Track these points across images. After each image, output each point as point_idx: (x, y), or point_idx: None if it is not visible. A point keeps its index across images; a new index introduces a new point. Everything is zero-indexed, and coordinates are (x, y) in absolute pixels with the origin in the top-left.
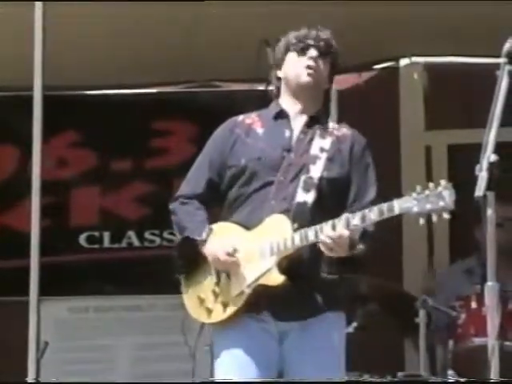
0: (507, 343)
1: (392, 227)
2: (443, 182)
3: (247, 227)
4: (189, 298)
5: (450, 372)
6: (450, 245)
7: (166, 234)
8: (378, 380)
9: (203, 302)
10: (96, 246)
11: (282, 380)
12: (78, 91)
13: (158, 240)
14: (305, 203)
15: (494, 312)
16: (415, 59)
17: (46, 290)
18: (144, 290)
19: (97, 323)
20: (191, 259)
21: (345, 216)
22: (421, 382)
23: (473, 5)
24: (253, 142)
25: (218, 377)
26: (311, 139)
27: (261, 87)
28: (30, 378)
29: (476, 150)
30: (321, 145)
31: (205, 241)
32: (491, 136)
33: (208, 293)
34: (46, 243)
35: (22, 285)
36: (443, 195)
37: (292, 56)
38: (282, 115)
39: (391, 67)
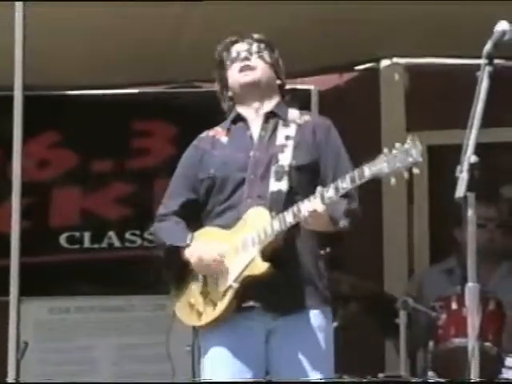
0: (487, 344)
1: (372, 225)
2: (409, 139)
3: (225, 227)
4: (180, 308)
5: (430, 373)
6: (430, 245)
7: (146, 235)
8: (358, 380)
9: (193, 306)
10: (76, 247)
11: (274, 380)
12: (59, 91)
13: (138, 240)
14: (279, 191)
15: (475, 313)
16: (396, 60)
17: (26, 290)
18: (125, 291)
19: (77, 324)
20: (179, 269)
21: (318, 190)
22: (401, 383)
23: (454, 4)
24: (219, 152)
25: (205, 376)
26: (274, 130)
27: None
28: (10, 378)
29: (456, 151)
30: (285, 133)
31: (189, 245)
32: (472, 137)
33: (197, 296)
34: (27, 243)
35: (2, 285)
36: (411, 151)
37: (229, 67)
38: (239, 119)
39: (372, 68)
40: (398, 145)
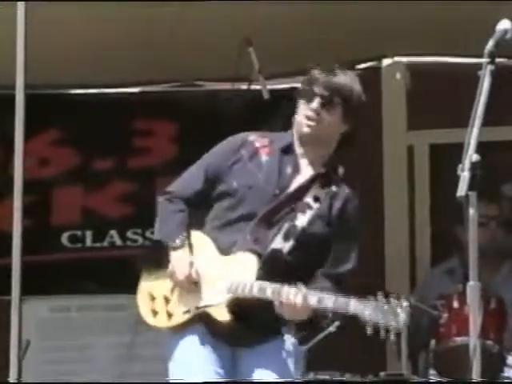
0: (489, 342)
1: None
2: (405, 304)
3: (220, 250)
4: (141, 292)
5: (432, 371)
6: (431, 244)
7: (148, 234)
8: (360, 379)
9: (153, 301)
10: (78, 245)
11: (269, 380)
12: (60, 90)
13: (140, 239)
14: (280, 251)
15: (476, 311)
16: (397, 59)
17: (27, 289)
18: (126, 290)
19: (78, 322)
20: (159, 257)
21: (304, 291)
22: (402, 382)
23: (455, 4)
24: (252, 169)
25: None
26: (309, 187)
27: (243, 86)
28: (12, 377)
29: (458, 149)
30: (316, 193)
31: (177, 247)
32: (473, 136)
33: (160, 295)
34: (28, 242)
35: (4, 284)
36: (398, 315)
37: (301, 102)
38: (289, 150)
39: (373, 67)
40: (393, 300)
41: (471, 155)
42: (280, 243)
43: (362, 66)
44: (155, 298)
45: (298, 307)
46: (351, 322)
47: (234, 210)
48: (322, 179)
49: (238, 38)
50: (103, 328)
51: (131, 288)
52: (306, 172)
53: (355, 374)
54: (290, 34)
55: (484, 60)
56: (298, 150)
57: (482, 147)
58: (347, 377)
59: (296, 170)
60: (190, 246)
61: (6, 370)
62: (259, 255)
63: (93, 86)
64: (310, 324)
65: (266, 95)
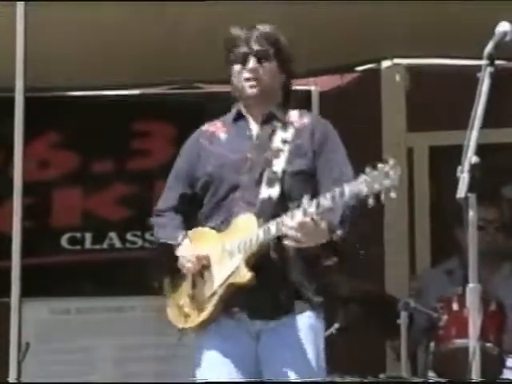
0: (488, 345)
1: (373, 226)
2: (391, 161)
3: (218, 230)
4: (170, 308)
5: (431, 373)
6: (431, 246)
7: (147, 236)
8: (359, 381)
9: (182, 308)
10: (78, 248)
11: (269, 380)
12: (59, 92)
13: (139, 241)
14: (269, 198)
15: (476, 314)
16: (397, 61)
17: (27, 291)
18: (126, 292)
19: (78, 324)
20: (171, 266)
21: (302, 205)
22: None
23: (455, 5)
24: (216, 149)
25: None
26: (272, 134)
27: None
28: (12, 378)
29: (458, 151)
30: (282, 136)
31: (180, 243)
32: (473, 138)
33: (185, 298)
34: (28, 244)
35: (4, 286)
36: (390, 174)
37: (235, 68)
38: (240, 117)
39: (373, 69)
40: (379, 165)
41: (471, 157)
42: (266, 192)
43: (362, 68)
44: (182, 305)
45: (304, 226)
46: (351, 324)
47: (218, 191)
48: (276, 121)
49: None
50: (103, 330)
51: (130, 290)
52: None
53: (354, 376)
54: (289, 35)
55: (483, 62)
56: (247, 112)
57: (481, 149)
58: (346, 378)
59: (250, 128)
60: (190, 240)
61: (5, 371)
62: (254, 212)
63: (92, 89)
64: (335, 247)
65: None
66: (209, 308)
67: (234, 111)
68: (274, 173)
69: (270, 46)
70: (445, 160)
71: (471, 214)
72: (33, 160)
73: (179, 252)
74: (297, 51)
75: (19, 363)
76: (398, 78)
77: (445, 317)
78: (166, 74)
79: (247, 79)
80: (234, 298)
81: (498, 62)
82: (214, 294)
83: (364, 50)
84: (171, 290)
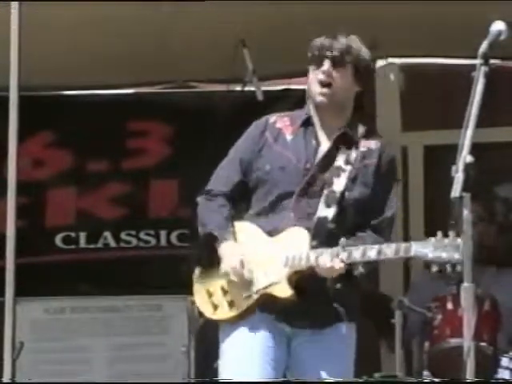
0: (483, 344)
1: None
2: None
3: (268, 233)
4: (198, 291)
5: (426, 373)
6: None
7: (142, 235)
8: (354, 380)
9: (211, 296)
10: (72, 247)
11: (279, 380)
12: (54, 92)
13: (134, 241)
14: (325, 218)
15: (470, 313)
16: (391, 60)
17: (21, 291)
18: (120, 291)
19: (73, 324)
20: (209, 254)
21: (362, 246)
22: (396, 383)
23: (449, 5)
24: (280, 149)
25: (223, 374)
26: (337, 151)
27: (237, 88)
28: (6, 378)
29: (452, 150)
30: (346, 157)
31: (226, 239)
32: (467, 137)
33: (217, 288)
34: (22, 244)
35: None
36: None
37: (311, 70)
38: (308, 123)
39: None
40: (451, 236)
41: (465, 156)
42: (324, 211)
43: None
44: (213, 293)
45: (337, 269)
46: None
47: (271, 193)
48: (347, 141)
49: (232, 39)
50: (98, 329)
51: (125, 289)
52: (330, 139)
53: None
54: (284, 35)
55: (478, 61)
56: (317, 120)
57: (475, 148)
58: (341, 378)
59: (319, 139)
60: (235, 237)
61: (0, 370)
62: (307, 228)
63: (87, 88)
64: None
65: (259, 96)
66: (241, 308)
67: (303, 113)
68: (333, 192)
69: (347, 53)
70: (439, 159)
71: (466, 213)
72: (27, 159)
73: (223, 248)
74: (292, 50)
75: (13, 362)
76: (392, 77)
77: (439, 316)
78: (161, 73)
79: (320, 82)
80: (273, 304)
81: (492, 61)
82: (249, 296)
83: None
84: (202, 276)
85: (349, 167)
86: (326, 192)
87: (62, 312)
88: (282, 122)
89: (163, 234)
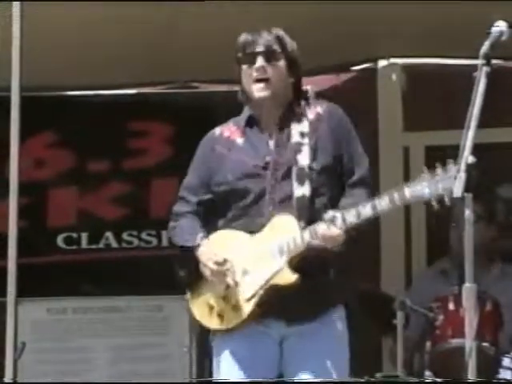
0: (484, 344)
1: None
2: (451, 164)
3: (250, 232)
4: (197, 307)
5: (428, 373)
6: (427, 246)
7: (143, 235)
8: (355, 380)
9: (213, 308)
10: (74, 247)
11: (278, 380)
12: (56, 92)
13: (135, 241)
14: (303, 197)
15: (472, 313)
16: (393, 60)
17: (23, 291)
18: (122, 291)
19: (75, 324)
20: (193, 268)
21: (354, 207)
22: (398, 383)
23: (451, 5)
24: (236, 156)
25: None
26: (288, 131)
27: (238, 88)
28: (8, 378)
29: (454, 151)
30: (299, 129)
31: (199, 244)
32: (469, 137)
33: (218, 299)
34: (24, 244)
35: (0, 286)
36: (453, 176)
37: (243, 69)
38: (253, 121)
39: (369, 68)
40: (439, 167)
41: (467, 157)
42: (299, 190)
43: (358, 67)
44: (214, 305)
45: (336, 237)
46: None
47: (244, 197)
48: (293, 116)
49: (234, 39)
50: (99, 330)
51: (127, 290)
52: (276, 125)
53: (351, 376)
54: (287, 34)
55: (479, 61)
56: (260, 117)
57: (477, 149)
58: (342, 378)
59: (268, 134)
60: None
61: (1, 370)
62: (289, 212)
63: (88, 88)
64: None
65: None
66: (249, 308)
67: (245, 115)
68: (302, 169)
69: (277, 46)
70: (441, 160)
71: (467, 213)
72: (29, 159)
73: (200, 254)
74: None
75: (15, 363)
76: (394, 77)
77: (441, 316)
78: (163, 73)
79: (256, 80)
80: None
81: (494, 61)
82: (254, 295)
83: (360, 50)
84: (197, 289)
85: (306, 139)
86: (295, 170)
87: (64, 312)
88: (228, 130)
89: (165, 234)
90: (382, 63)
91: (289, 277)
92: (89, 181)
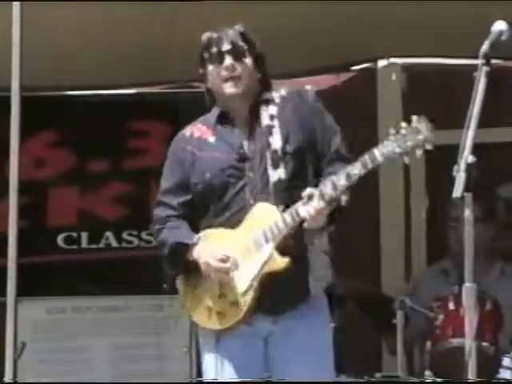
0: (484, 344)
1: (370, 226)
2: (415, 118)
3: (232, 227)
4: (196, 312)
5: (428, 373)
6: (427, 246)
7: (144, 235)
8: (355, 380)
9: (212, 309)
10: (74, 247)
11: (278, 380)
12: (56, 92)
13: (136, 241)
14: (279, 181)
15: (472, 313)
16: (393, 60)
17: (23, 291)
18: (122, 291)
19: (74, 324)
20: (185, 267)
21: (329, 179)
22: (398, 383)
23: (451, 5)
24: (209, 154)
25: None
26: (258, 118)
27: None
28: (8, 378)
29: (454, 151)
30: (268, 113)
31: (195, 243)
32: (469, 137)
33: (213, 298)
34: (24, 243)
35: (0, 285)
36: (420, 129)
37: (210, 68)
38: (224, 118)
39: (369, 68)
40: (404, 124)
41: (467, 156)
42: (275, 174)
43: (358, 67)
44: (211, 306)
45: (321, 211)
46: (347, 324)
47: (224, 194)
48: (260, 103)
49: None
50: (99, 329)
51: (127, 289)
52: (246, 117)
53: (350, 375)
54: (285, 35)
55: (479, 61)
56: (231, 115)
57: (476, 149)
58: (342, 377)
59: (239, 128)
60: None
61: (1, 370)
62: (266, 198)
63: (89, 88)
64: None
65: None
66: (247, 301)
67: (214, 113)
68: (275, 152)
69: (243, 43)
70: (441, 159)
71: (467, 213)
72: (29, 159)
73: (196, 254)
74: (293, 50)
75: (15, 362)
76: (394, 77)
77: (441, 316)
78: (163, 73)
79: (226, 79)
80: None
81: (493, 61)
82: (249, 287)
83: (360, 50)
84: (188, 292)
85: (275, 121)
86: (268, 155)
87: (64, 312)
88: (198, 130)
89: None
90: (381, 63)
91: (280, 262)
92: (89, 180)
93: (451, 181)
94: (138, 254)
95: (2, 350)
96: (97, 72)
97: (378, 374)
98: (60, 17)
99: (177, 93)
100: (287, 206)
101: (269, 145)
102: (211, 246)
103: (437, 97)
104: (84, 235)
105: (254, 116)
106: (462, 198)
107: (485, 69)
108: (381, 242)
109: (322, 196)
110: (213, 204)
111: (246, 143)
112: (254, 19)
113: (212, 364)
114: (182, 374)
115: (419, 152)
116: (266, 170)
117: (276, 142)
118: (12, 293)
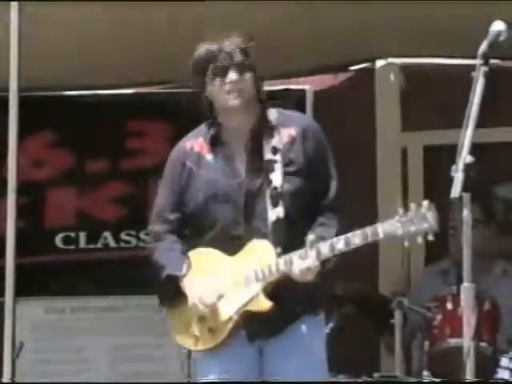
0: (482, 344)
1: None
2: (425, 203)
3: (229, 254)
4: (174, 325)
5: (426, 373)
6: (425, 247)
7: (142, 235)
8: (353, 380)
9: (189, 328)
10: (72, 247)
11: (277, 380)
12: (54, 92)
13: (134, 241)
14: (278, 220)
15: (470, 313)
16: (391, 60)
17: (21, 291)
18: (120, 291)
19: (73, 324)
20: (175, 291)
21: (329, 242)
22: (396, 383)
23: (449, 5)
24: (205, 174)
25: None
26: (260, 147)
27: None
28: (6, 378)
29: (452, 151)
30: (272, 144)
31: (184, 275)
32: (467, 137)
33: (194, 320)
34: (22, 244)
35: None
36: (427, 216)
37: (211, 81)
38: (222, 135)
39: (367, 68)
40: (413, 206)
41: (465, 156)
42: (274, 213)
43: (356, 67)
44: (190, 324)
45: (312, 268)
46: (346, 324)
47: (216, 222)
48: (264, 130)
49: None
50: (97, 329)
51: (125, 289)
52: (247, 140)
53: (349, 375)
54: (284, 35)
55: (478, 61)
56: (230, 125)
57: (475, 148)
58: (340, 377)
59: (239, 152)
60: (194, 267)
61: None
62: (264, 235)
63: (87, 88)
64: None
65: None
66: (225, 332)
67: (212, 130)
68: (275, 189)
69: (243, 57)
70: (439, 159)
71: (466, 213)
72: (28, 159)
73: (186, 288)
74: (291, 51)
75: (13, 362)
76: (392, 77)
77: (439, 316)
78: (161, 73)
79: (229, 91)
80: (248, 325)
81: (492, 61)
82: (229, 319)
83: (358, 50)
84: (174, 309)
85: (278, 156)
86: (268, 192)
87: (62, 312)
88: (197, 145)
89: None
90: (379, 63)
91: (263, 303)
92: (87, 181)
93: (449, 181)
94: (136, 254)
95: (0, 350)
96: (95, 72)
97: (376, 374)
98: (60, 17)
99: (176, 93)
100: (284, 247)
101: (269, 181)
102: (202, 278)
103: (435, 97)
104: (82, 235)
105: (256, 141)
106: (461, 198)
107: (483, 69)
108: (379, 243)
109: (318, 255)
110: (206, 229)
111: (244, 170)
112: (253, 19)
113: (205, 372)
114: (182, 374)
115: (420, 240)
116: (263, 205)
117: (277, 179)
118: (10, 293)
